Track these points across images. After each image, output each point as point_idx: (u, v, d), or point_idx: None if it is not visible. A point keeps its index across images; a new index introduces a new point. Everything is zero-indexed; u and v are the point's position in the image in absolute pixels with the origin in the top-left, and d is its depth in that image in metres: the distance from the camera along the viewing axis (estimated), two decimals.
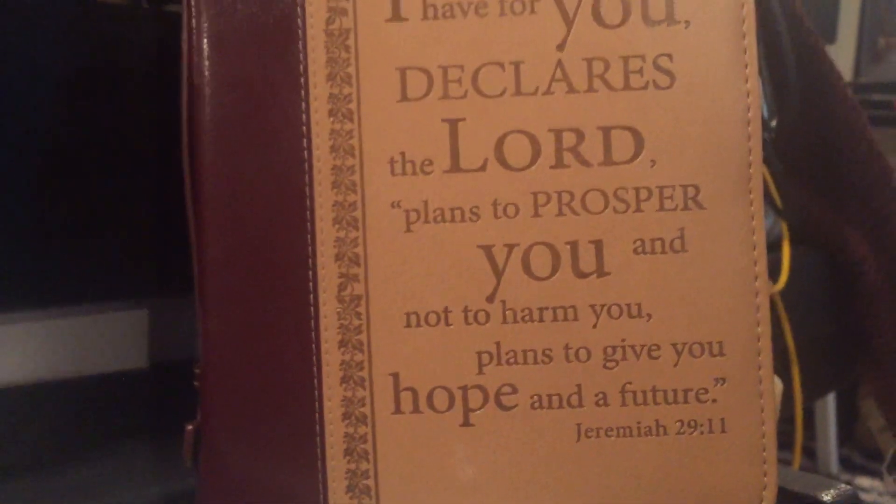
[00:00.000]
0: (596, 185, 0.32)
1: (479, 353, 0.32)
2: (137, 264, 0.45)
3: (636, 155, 0.32)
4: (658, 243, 0.32)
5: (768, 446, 0.32)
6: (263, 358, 0.32)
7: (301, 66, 0.33)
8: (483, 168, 0.32)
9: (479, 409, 0.32)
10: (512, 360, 0.32)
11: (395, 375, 0.32)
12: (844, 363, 0.66)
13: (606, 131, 0.32)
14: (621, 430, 0.32)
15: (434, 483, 0.32)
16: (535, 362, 0.32)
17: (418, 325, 0.32)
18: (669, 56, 0.32)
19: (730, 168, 0.32)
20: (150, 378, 0.44)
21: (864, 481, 1.02)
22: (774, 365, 0.32)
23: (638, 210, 0.32)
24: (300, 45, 0.33)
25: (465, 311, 0.32)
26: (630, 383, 0.32)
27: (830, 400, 1.02)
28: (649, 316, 0.32)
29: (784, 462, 0.37)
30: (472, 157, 0.32)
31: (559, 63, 0.32)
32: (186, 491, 0.36)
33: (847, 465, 1.06)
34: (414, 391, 0.32)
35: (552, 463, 0.32)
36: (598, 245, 0.32)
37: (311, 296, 0.32)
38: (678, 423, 0.32)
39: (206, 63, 0.33)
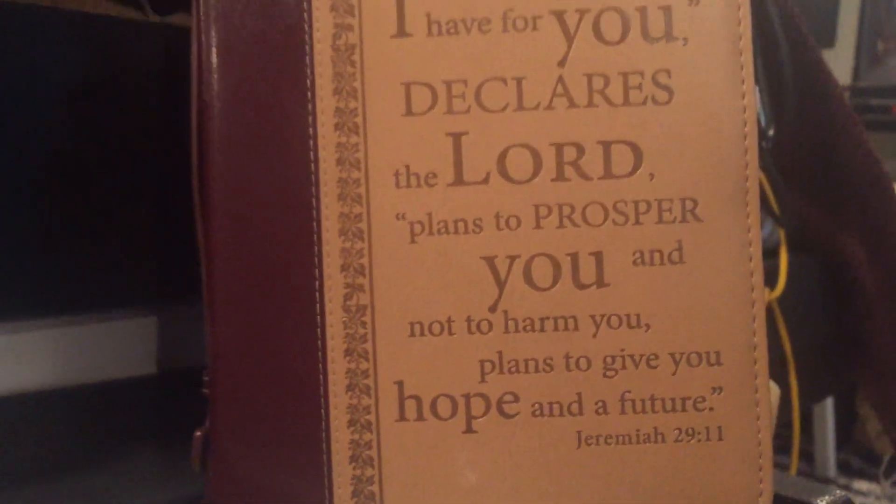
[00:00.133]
0: (596, 199, 0.32)
1: (482, 362, 0.33)
2: (146, 272, 0.45)
3: (635, 169, 0.32)
4: (657, 255, 0.32)
5: (764, 453, 0.32)
6: (271, 365, 0.33)
7: (308, 81, 0.33)
8: (486, 181, 0.33)
9: (482, 416, 0.33)
10: (514, 369, 0.32)
11: (400, 383, 0.33)
12: (842, 368, 0.66)
13: (606, 145, 0.32)
14: (621, 438, 0.32)
15: (437, 489, 0.33)
16: (537, 371, 0.32)
17: (422, 334, 0.33)
18: (668, 72, 0.32)
19: (727, 181, 0.32)
20: (158, 385, 0.44)
21: (861, 485, 1.02)
22: (772, 370, 0.33)
23: (637, 223, 0.32)
24: (307, 61, 0.33)
25: (468, 320, 0.32)
26: (629, 392, 0.32)
27: (828, 404, 1.02)
28: (648, 326, 0.32)
29: (782, 466, 0.37)
30: (476, 171, 0.33)
31: (560, 79, 0.33)
32: (195, 496, 0.37)
33: (845, 468, 1.06)
34: (418, 399, 0.33)
35: (553, 469, 0.32)
36: (598, 257, 0.32)
37: (318, 305, 0.33)
38: (676, 431, 0.32)
39: (216, 78, 0.33)
